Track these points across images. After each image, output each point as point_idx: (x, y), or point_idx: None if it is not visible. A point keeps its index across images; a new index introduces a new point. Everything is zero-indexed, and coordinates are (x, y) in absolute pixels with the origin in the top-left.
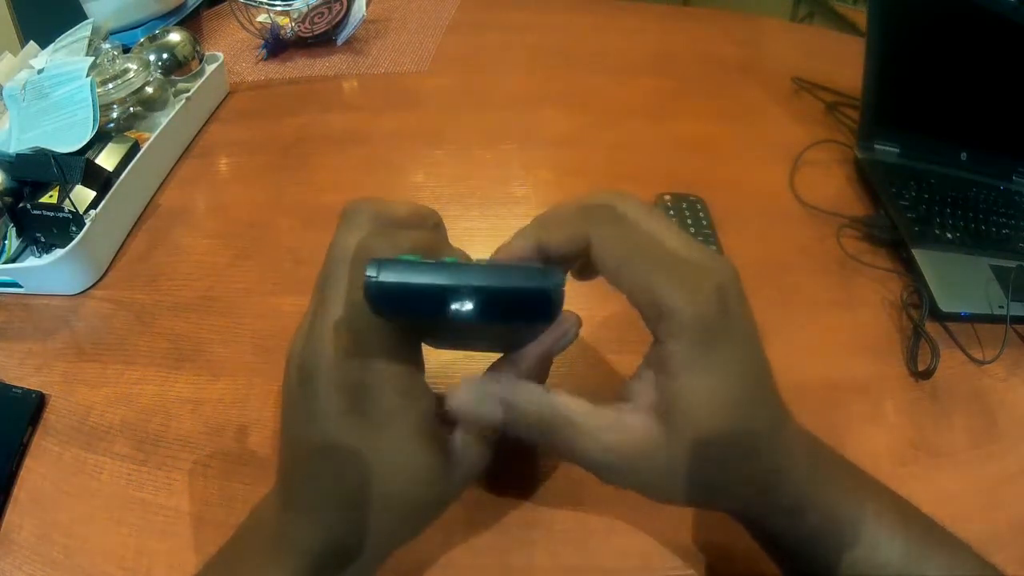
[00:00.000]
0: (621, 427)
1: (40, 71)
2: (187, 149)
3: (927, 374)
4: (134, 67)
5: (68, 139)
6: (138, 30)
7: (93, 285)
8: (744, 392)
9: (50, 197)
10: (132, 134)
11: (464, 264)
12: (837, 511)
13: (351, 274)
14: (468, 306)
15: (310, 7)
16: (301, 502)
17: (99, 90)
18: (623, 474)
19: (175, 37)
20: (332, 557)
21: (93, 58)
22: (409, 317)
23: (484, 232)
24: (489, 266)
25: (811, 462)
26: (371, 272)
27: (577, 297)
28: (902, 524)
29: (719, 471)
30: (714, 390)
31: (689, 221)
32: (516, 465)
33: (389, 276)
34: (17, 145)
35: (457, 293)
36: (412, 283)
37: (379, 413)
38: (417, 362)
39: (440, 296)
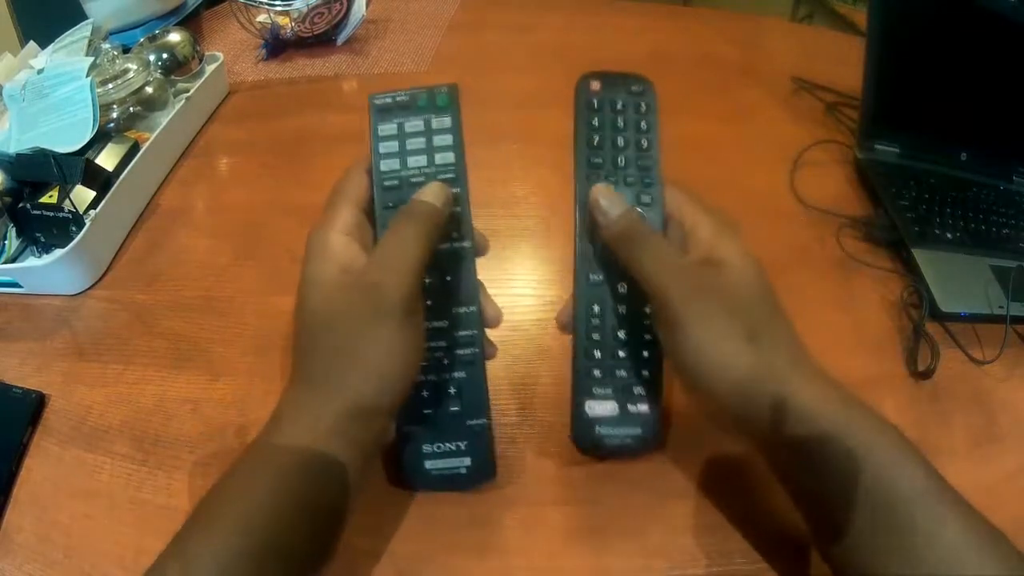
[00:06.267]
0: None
1: (40, 71)
2: (187, 149)
3: (927, 374)
4: (134, 67)
5: (68, 139)
6: (138, 30)
7: (93, 285)
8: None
9: (50, 197)
10: (132, 134)
11: None
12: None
13: (358, 180)
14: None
15: (310, 7)
16: (313, 374)
17: (99, 90)
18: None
19: (175, 37)
20: (348, 410)
21: (93, 58)
22: None
23: (484, 232)
24: None
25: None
26: None
27: None
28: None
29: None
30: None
31: None
32: (517, 467)
33: None
34: (17, 145)
35: None
36: None
37: (371, 289)
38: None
39: None
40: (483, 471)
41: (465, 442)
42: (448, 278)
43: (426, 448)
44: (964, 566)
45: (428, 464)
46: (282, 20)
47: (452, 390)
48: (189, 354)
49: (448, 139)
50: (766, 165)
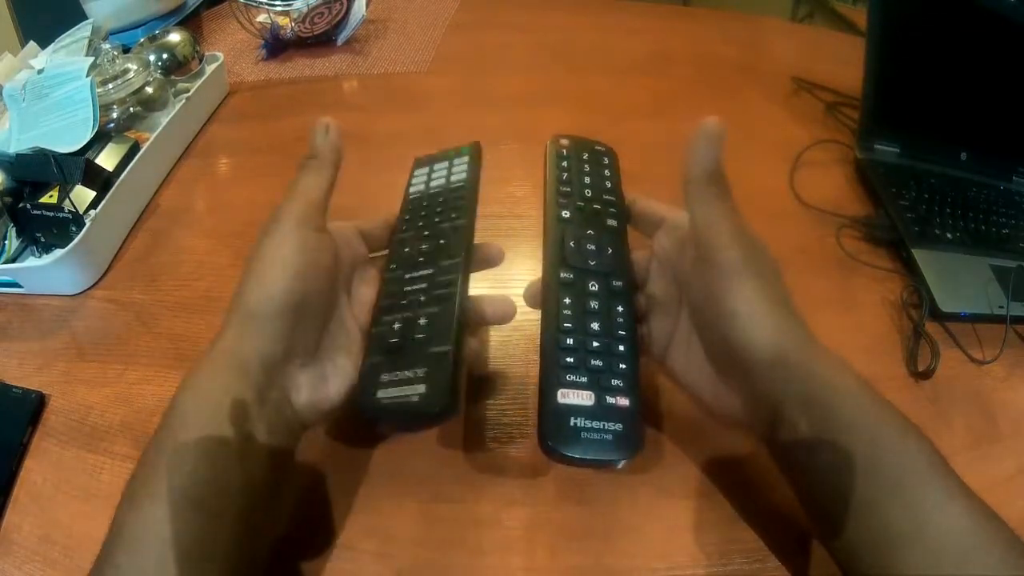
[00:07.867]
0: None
1: (40, 71)
2: (187, 149)
3: (927, 374)
4: (134, 67)
5: (68, 139)
6: (138, 30)
7: (93, 285)
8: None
9: (50, 197)
10: (132, 134)
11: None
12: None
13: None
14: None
15: (310, 7)
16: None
17: (99, 90)
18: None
19: (175, 37)
20: (240, 319)
21: (93, 58)
22: None
23: (484, 232)
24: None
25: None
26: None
27: None
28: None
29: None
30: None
31: None
32: (517, 466)
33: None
34: (17, 145)
35: None
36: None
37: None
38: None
39: None
40: (436, 401)
41: (424, 369)
42: (442, 242)
43: (384, 377)
44: (967, 545)
45: (381, 393)
46: (282, 20)
47: (422, 321)
48: (189, 354)
49: (464, 167)
50: (766, 165)
